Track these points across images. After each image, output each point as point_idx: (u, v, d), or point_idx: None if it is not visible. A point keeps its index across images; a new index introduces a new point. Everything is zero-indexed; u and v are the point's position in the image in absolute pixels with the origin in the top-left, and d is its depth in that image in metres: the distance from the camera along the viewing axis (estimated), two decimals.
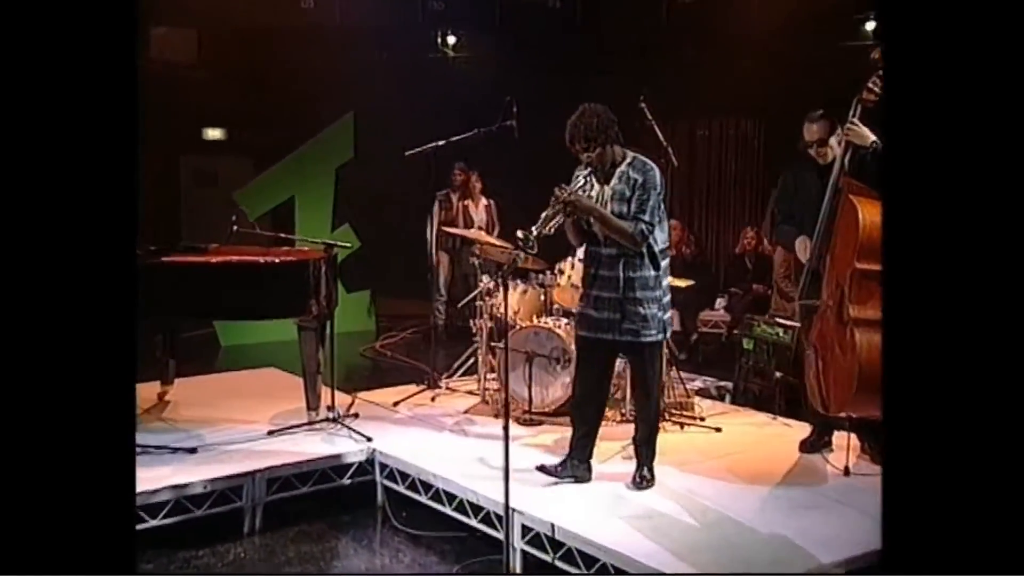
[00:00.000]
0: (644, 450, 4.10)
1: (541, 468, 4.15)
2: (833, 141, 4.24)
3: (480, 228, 8.27)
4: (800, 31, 8.31)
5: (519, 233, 3.51)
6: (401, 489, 4.66)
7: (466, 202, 8.52)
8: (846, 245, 3.85)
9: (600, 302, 3.89)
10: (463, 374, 6.25)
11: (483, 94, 9.05)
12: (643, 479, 4.05)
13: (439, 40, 10.13)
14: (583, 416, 4.12)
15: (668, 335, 4.04)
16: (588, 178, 3.82)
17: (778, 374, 5.69)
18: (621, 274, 3.82)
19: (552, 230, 3.63)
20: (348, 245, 5.32)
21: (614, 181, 3.84)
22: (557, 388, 5.31)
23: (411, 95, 9.66)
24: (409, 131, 9.36)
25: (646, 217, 3.75)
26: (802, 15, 8.16)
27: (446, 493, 4.31)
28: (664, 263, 3.96)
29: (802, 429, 4.89)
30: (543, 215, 3.58)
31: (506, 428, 3.66)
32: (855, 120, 4.04)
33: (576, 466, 4.18)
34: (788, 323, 5.89)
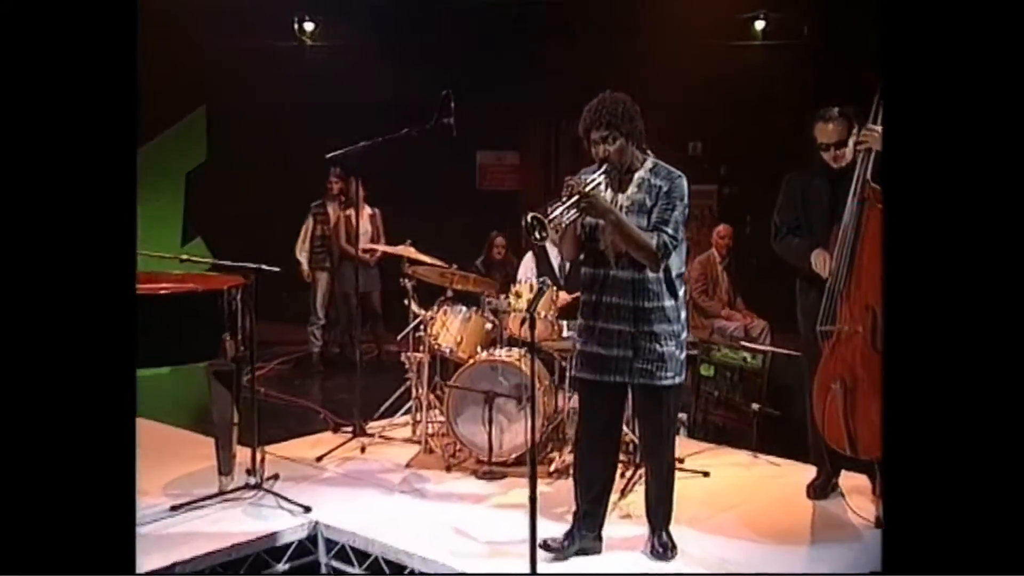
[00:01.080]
0: (658, 512, 3.75)
1: (544, 546, 3.65)
2: (850, 143, 4.04)
3: (372, 241, 7.69)
4: (689, 27, 8.43)
5: (528, 216, 3.05)
6: (357, 572, 3.99)
7: (348, 212, 7.90)
8: (878, 261, 3.60)
9: (608, 337, 3.50)
10: (385, 416, 5.70)
11: (347, 87, 8.63)
12: (664, 548, 3.70)
13: (296, 27, 9.54)
14: (591, 477, 3.72)
15: (684, 378, 3.69)
16: (600, 181, 3.42)
17: (755, 406, 5.43)
18: (634, 303, 3.45)
19: (560, 226, 3.21)
20: (276, 270, 4.54)
21: (631, 189, 3.47)
22: (519, 432, 4.86)
23: (273, 89, 8.93)
24: (273, 130, 8.94)
25: (670, 229, 3.38)
26: (691, 10, 8.29)
27: None
28: (681, 292, 3.62)
29: (794, 469, 4.74)
30: (553, 206, 3.15)
31: (533, 499, 3.15)
32: (874, 125, 3.85)
33: (584, 537, 3.75)
34: (757, 347, 5.68)
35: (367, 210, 7.97)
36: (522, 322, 4.88)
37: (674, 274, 3.53)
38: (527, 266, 5.75)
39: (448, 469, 4.84)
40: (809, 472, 4.54)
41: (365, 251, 7.51)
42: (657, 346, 3.46)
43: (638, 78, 8.88)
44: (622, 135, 3.39)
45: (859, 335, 3.80)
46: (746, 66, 8.75)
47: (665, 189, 3.43)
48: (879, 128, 3.82)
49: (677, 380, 3.54)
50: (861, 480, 4.36)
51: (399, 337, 5.41)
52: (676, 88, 8.03)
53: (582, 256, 3.60)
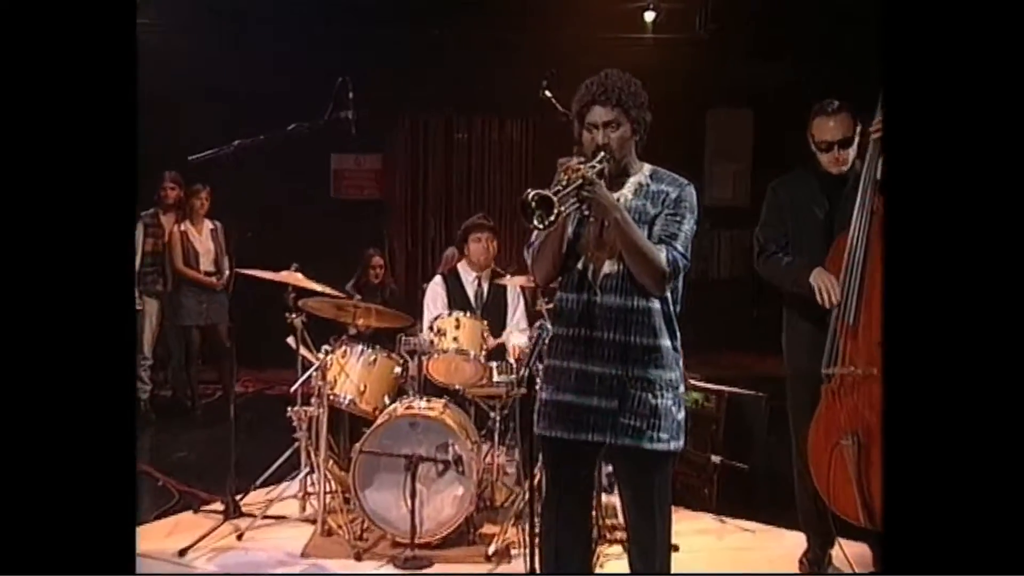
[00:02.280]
0: None
1: None
2: (854, 143, 3.81)
3: (215, 262, 7.04)
4: (571, 17, 8.39)
5: (530, 193, 2.70)
6: None
7: (184, 225, 7.09)
8: None
9: (587, 382, 3.06)
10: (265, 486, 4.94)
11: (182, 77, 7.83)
12: None
13: None
14: (563, 557, 3.19)
15: (683, 444, 3.21)
16: (603, 168, 3.03)
17: (715, 459, 4.97)
18: (624, 338, 3.05)
19: (558, 216, 2.78)
20: None
21: (627, 193, 3.11)
22: (447, 504, 4.27)
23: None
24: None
25: (679, 245, 3.04)
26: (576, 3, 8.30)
27: None
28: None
29: (771, 536, 4.54)
30: (552, 191, 2.77)
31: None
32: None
33: None
34: (710, 387, 5.25)
35: (207, 224, 7.20)
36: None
37: (674, 308, 3.14)
38: (435, 293, 5.28)
39: (358, 557, 4.18)
40: (789, 539, 4.29)
41: (209, 274, 6.99)
42: (650, 397, 3.04)
43: (510, 72, 8.86)
44: (629, 121, 3.04)
45: (874, 378, 3.55)
46: (635, 61, 8.57)
47: (673, 196, 3.10)
48: None
49: (672, 446, 3.10)
50: (859, 548, 4.02)
51: (292, 389, 4.68)
52: (555, 85, 7.81)
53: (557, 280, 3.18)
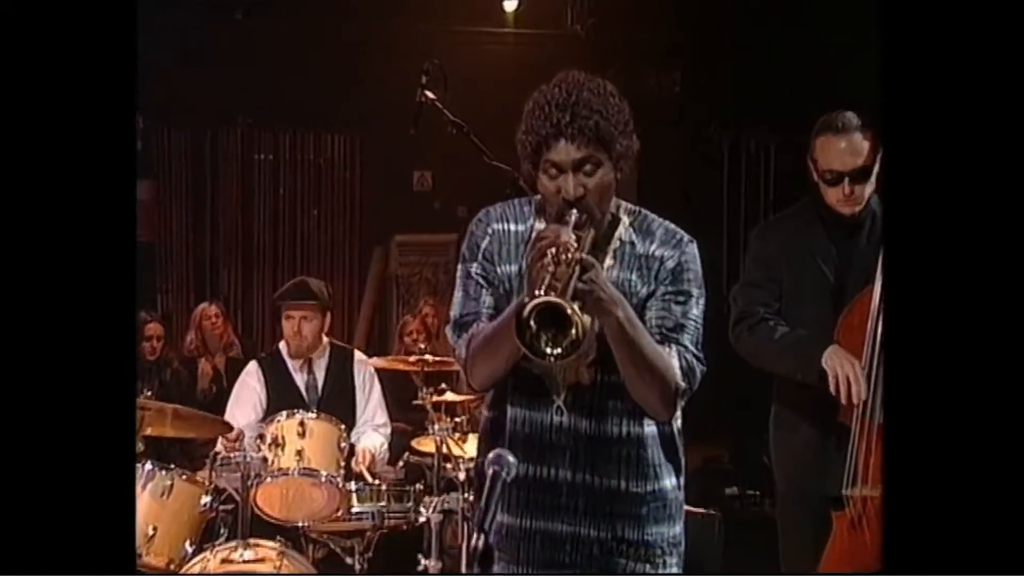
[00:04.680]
0: None
1: None
2: (875, 173, 3.60)
3: None
4: (417, 6, 8.43)
5: (525, 308, 2.42)
6: None
7: None
8: None
9: (551, 547, 2.81)
10: None
11: None
12: None
13: None
14: None
15: None
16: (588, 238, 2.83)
17: None
18: (605, 482, 2.79)
19: (581, 338, 2.52)
20: None
21: (607, 260, 2.85)
22: None
23: None
24: None
25: (689, 342, 2.80)
26: None
27: None
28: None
29: None
30: (552, 295, 2.47)
31: None
32: None
33: None
34: None
35: None
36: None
37: (677, 424, 2.89)
38: (246, 387, 5.02)
39: None
40: None
41: None
42: (648, 568, 2.83)
43: (334, 73, 8.37)
44: (612, 159, 2.71)
45: None
46: (495, 60, 8.62)
47: (670, 265, 2.84)
48: None
49: None
50: None
51: None
52: (397, 90, 7.55)
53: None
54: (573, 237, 2.60)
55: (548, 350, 2.44)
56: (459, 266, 2.86)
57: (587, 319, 2.51)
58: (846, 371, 3.43)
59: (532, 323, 2.43)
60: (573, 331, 2.43)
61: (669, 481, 2.83)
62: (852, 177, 3.51)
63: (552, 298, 2.42)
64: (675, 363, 2.73)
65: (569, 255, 2.50)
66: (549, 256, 2.50)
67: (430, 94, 4.18)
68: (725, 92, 8.55)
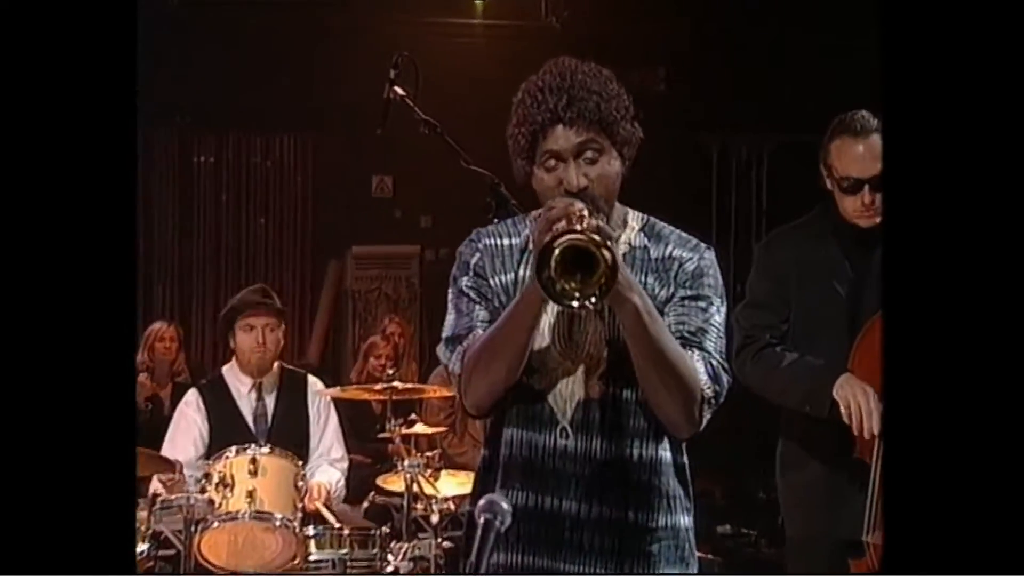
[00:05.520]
0: None
1: None
2: None
3: None
4: None
5: (558, 239, 2.45)
6: None
7: None
8: None
9: None
10: None
11: None
12: None
13: None
14: None
15: None
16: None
17: None
18: (616, 514, 2.80)
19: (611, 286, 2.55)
20: None
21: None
22: None
23: None
24: None
25: (714, 348, 2.82)
26: None
27: None
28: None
29: None
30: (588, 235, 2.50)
31: None
32: None
33: None
34: None
35: None
36: None
37: (686, 458, 2.91)
38: (190, 421, 4.95)
39: None
40: None
41: None
42: None
43: (291, 69, 8.30)
44: (616, 145, 2.73)
45: None
46: (463, 54, 8.67)
47: (690, 268, 2.87)
48: None
49: None
50: None
51: None
52: (354, 86, 7.52)
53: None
54: (583, 206, 2.60)
55: (575, 298, 2.42)
56: (449, 290, 2.87)
57: (615, 255, 2.47)
58: (859, 400, 3.42)
59: (555, 264, 2.40)
60: (600, 273, 2.41)
61: (683, 519, 2.82)
62: (873, 185, 3.50)
63: (576, 234, 2.40)
64: (700, 367, 2.73)
65: (584, 223, 2.48)
66: (552, 221, 2.50)
67: (400, 90, 4.08)
68: (715, 91, 8.59)
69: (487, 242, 2.86)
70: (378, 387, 4.82)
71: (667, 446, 2.78)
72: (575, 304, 2.44)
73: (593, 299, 2.43)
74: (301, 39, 8.34)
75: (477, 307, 2.79)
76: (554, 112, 2.66)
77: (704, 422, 2.77)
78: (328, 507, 4.57)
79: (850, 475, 3.45)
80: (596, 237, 2.44)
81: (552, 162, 2.67)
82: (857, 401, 3.41)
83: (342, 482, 4.92)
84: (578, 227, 2.47)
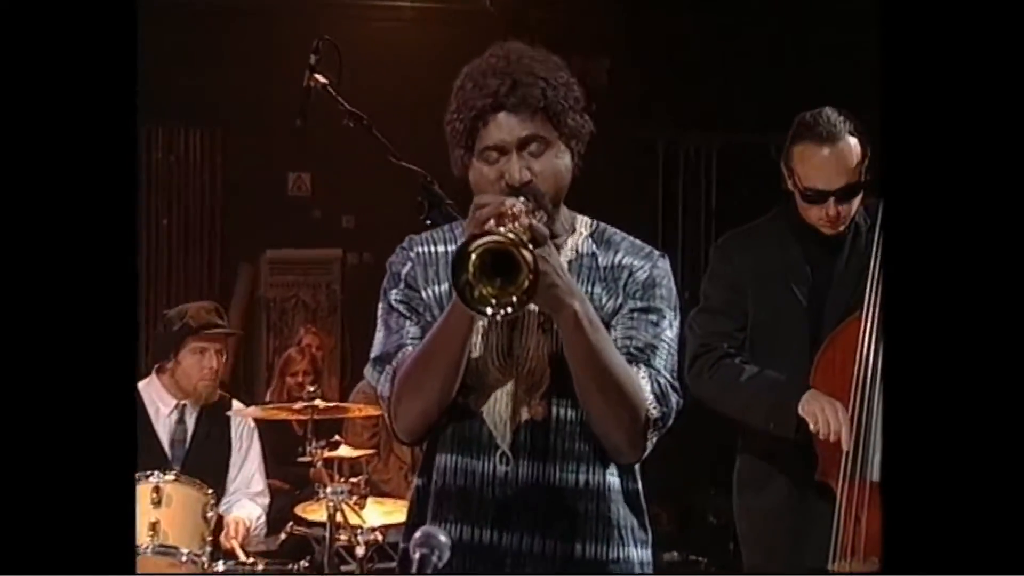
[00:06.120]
0: None
1: None
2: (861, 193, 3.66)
3: None
4: None
5: (472, 243, 2.48)
6: None
7: None
8: None
9: None
10: None
11: None
12: None
13: None
14: None
15: None
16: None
17: None
18: (562, 547, 2.80)
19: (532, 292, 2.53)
20: None
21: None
22: None
23: None
24: None
25: (663, 365, 2.83)
26: None
27: None
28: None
29: None
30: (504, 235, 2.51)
31: None
32: None
33: None
34: None
35: None
36: None
37: (640, 485, 2.89)
38: None
39: None
40: None
41: None
42: None
43: (196, 55, 8.24)
44: (564, 138, 2.74)
45: None
46: (388, 39, 8.74)
47: (641, 277, 2.87)
48: None
49: None
50: None
51: None
52: (267, 73, 7.75)
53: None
54: (521, 203, 2.57)
55: (490, 304, 2.41)
56: (379, 304, 2.85)
57: (540, 257, 2.44)
58: (827, 415, 3.44)
59: (473, 269, 2.40)
60: (523, 279, 2.39)
61: (637, 552, 2.81)
62: (839, 197, 3.53)
63: (491, 237, 2.39)
64: (646, 386, 2.71)
65: (517, 224, 2.46)
66: (480, 218, 2.49)
67: (321, 78, 4.03)
68: (661, 84, 8.65)
69: (419, 250, 2.84)
70: (298, 406, 4.78)
71: (615, 471, 2.77)
72: (489, 312, 2.43)
73: (510, 307, 2.43)
74: (207, 22, 8.36)
75: (408, 322, 2.78)
76: (496, 97, 2.64)
77: (649, 447, 2.76)
78: (244, 548, 4.58)
79: (815, 498, 3.49)
80: (513, 237, 2.42)
81: (493, 154, 2.66)
82: (826, 416, 3.44)
83: (263, 519, 4.90)
84: (502, 228, 2.46)
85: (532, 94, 2.63)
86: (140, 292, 7.16)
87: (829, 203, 3.52)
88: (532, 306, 2.64)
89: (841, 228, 3.58)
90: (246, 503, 4.76)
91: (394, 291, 2.82)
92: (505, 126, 2.65)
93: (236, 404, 5.05)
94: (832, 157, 3.53)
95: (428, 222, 3.32)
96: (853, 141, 3.54)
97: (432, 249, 2.88)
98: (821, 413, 3.45)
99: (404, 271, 2.86)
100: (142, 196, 9.53)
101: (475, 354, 2.74)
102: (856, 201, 3.57)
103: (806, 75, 6.86)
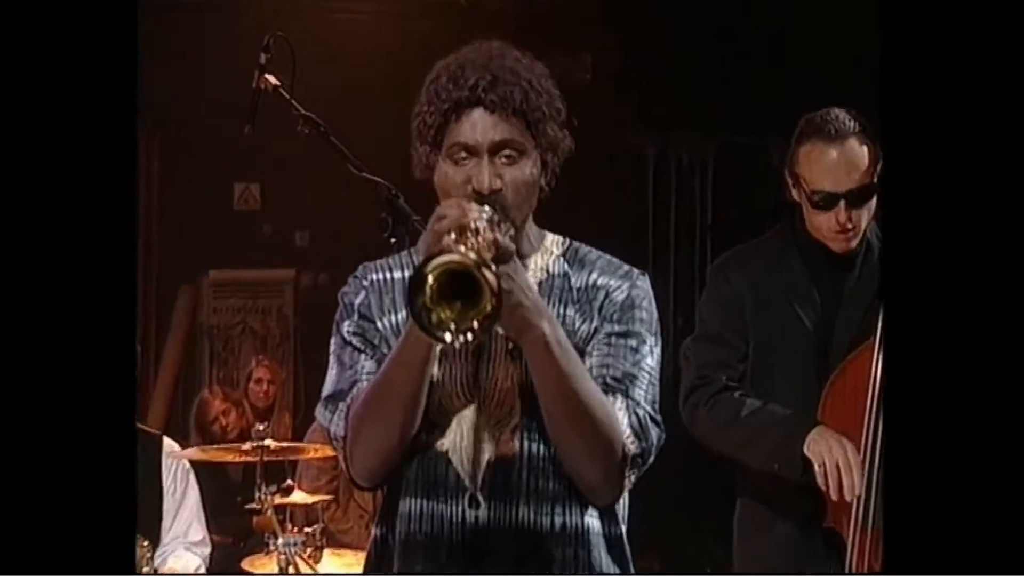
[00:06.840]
0: None
1: None
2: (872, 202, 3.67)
3: None
4: None
5: (428, 264, 2.46)
6: None
7: None
8: None
9: None
10: None
11: None
12: None
13: None
14: None
15: None
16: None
17: None
18: None
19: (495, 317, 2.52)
20: None
21: None
22: None
23: None
24: None
25: (643, 396, 2.83)
26: None
27: None
28: None
29: None
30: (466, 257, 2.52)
31: None
32: None
33: None
34: None
35: None
36: None
37: (623, 529, 2.92)
38: None
39: None
40: None
41: None
42: None
43: (132, 53, 8.25)
44: (539, 147, 2.77)
45: None
46: (347, 37, 8.76)
47: (619, 298, 2.89)
48: None
49: None
50: None
51: None
52: (212, 74, 7.83)
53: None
54: (487, 214, 2.57)
55: (452, 326, 2.40)
56: (331, 340, 2.86)
57: (503, 277, 2.43)
58: (835, 457, 3.44)
59: (431, 292, 2.39)
60: (485, 302, 2.37)
61: None
62: (849, 200, 3.54)
63: (448, 256, 2.38)
64: (623, 419, 2.70)
65: (480, 239, 2.46)
66: (449, 240, 2.48)
67: (272, 79, 4.06)
68: (651, 85, 8.68)
69: (373, 278, 2.85)
70: (246, 446, 4.74)
71: (595, 513, 2.75)
72: (448, 338, 2.41)
73: (471, 333, 2.41)
74: (147, 16, 8.14)
75: (362, 356, 2.78)
76: (474, 91, 2.64)
77: (628, 486, 2.74)
78: None
79: (822, 545, 3.54)
80: (474, 257, 2.41)
81: (462, 155, 2.66)
82: (834, 458, 3.45)
83: (203, 569, 4.86)
84: (463, 246, 2.45)
85: (512, 94, 2.63)
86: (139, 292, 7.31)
87: (839, 208, 3.54)
88: (499, 330, 2.65)
89: (853, 244, 3.60)
90: (182, 553, 4.74)
91: (347, 323, 2.82)
92: (480, 125, 2.66)
93: (168, 443, 5.01)
94: (842, 157, 3.56)
95: (392, 240, 3.32)
96: (863, 142, 3.59)
97: (387, 276, 2.88)
98: (828, 454, 3.45)
99: (357, 301, 2.85)
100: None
101: (437, 386, 2.73)
102: (868, 209, 3.58)
103: (806, 76, 6.89)
